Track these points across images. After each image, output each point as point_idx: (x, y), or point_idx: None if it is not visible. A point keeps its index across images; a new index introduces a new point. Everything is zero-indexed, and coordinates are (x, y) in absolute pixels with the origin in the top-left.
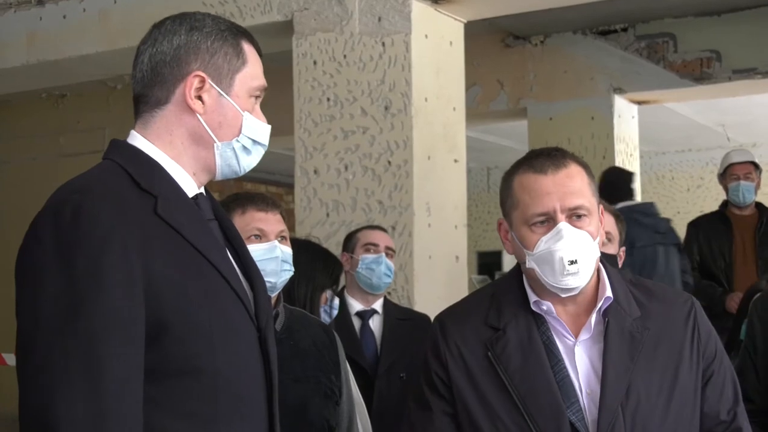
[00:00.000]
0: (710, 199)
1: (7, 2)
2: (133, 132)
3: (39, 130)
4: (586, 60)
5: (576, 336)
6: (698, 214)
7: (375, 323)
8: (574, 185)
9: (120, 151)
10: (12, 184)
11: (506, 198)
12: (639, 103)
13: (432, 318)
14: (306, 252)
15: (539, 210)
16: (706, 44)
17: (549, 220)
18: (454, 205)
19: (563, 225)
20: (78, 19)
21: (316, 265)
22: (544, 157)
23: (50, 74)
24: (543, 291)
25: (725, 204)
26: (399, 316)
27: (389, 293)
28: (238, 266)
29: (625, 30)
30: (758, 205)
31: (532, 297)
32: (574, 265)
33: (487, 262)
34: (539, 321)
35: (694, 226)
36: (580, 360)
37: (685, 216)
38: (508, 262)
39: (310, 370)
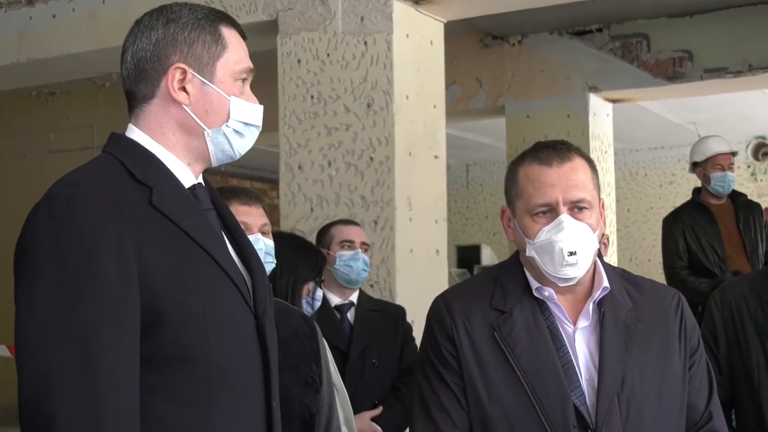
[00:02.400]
0: (682, 194)
1: None
2: (130, 125)
3: (29, 127)
4: (562, 59)
5: (574, 323)
6: (671, 209)
7: (351, 314)
8: (578, 178)
9: (117, 144)
10: (3, 180)
11: (511, 187)
12: (613, 101)
13: (406, 310)
14: (289, 244)
15: (542, 201)
16: (679, 44)
17: (551, 211)
18: (434, 200)
19: (565, 217)
20: (67, 19)
21: (298, 257)
22: (550, 150)
23: (40, 73)
24: (543, 278)
25: (698, 193)
26: (372, 308)
27: (371, 286)
28: (237, 255)
29: (600, 30)
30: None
31: (534, 284)
32: (573, 256)
33: (466, 256)
34: (542, 306)
35: (675, 221)
36: (579, 347)
37: (659, 211)
38: (487, 256)
39: (291, 359)
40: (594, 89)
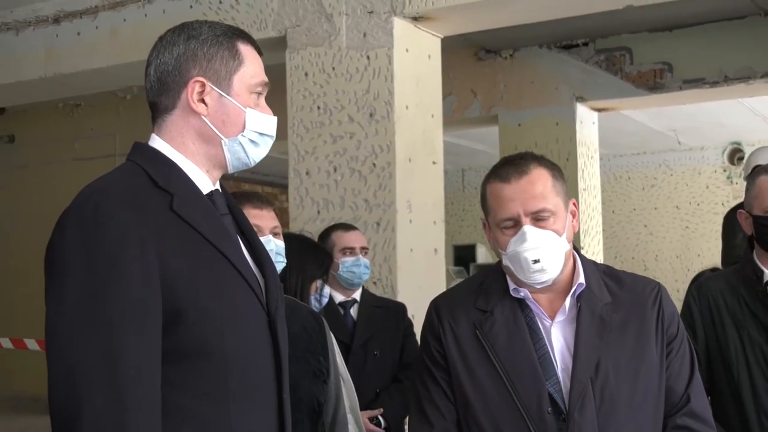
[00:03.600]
0: (663, 197)
1: (26, 20)
2: (153, 135)
3: (55, 137)
4: (551, 71)
5: (552, 318)
6: (652, 210)
7: (354, 310)
8: (535, 190)
9: (141, 152)
10: (31, 186)
11: (483, 203)
12: (599, 110)
13: (407, 306)
14: (298, 245)
15: (505, 215)
16: (659, 57)
17: (516, 224)
18: (433, 203)
19: (527, 228)
20: (91, 36)
21: (306, 256)
22: (509, 166)
23: (65, 86)
24: (519, 281)
25: None
26: (374, 304)
27: (374, 283)
28: (251, 256)
29: (586, 44)
30: None
31: (511, 285)
32: (537, 264)
33: (462, 255)
34: (523, 305)
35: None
36: (556, 339)
37: (641, 212)
38: (482, 254)
39: (301, 352)
40: (581, 99)
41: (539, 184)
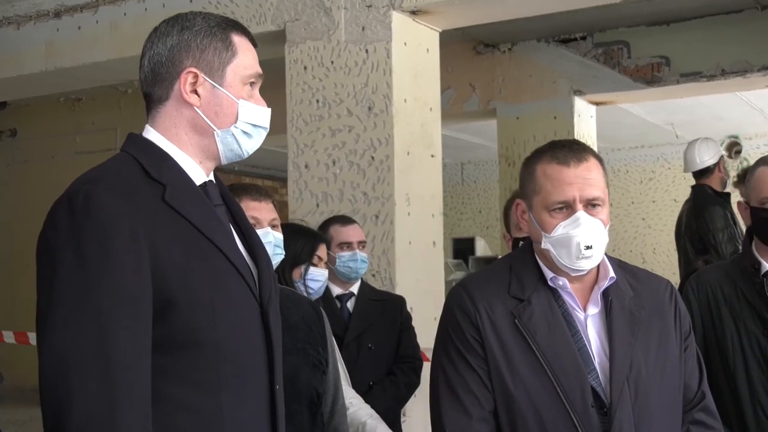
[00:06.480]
0: (661, 190)
1: (27, 15)
2: (147, 126)
3: (57, 131)
4: (549, 65)
5: (584, 310)
6: (650, 203)
7: (351, 303)
8: (592, 177)
9: (134, 143)
10: (33, 179)
11: (527, 183)
12: (596, 104)
13: (405, 298)
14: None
15: (560, 198)
16: (657, 51)
17: (567, 208)
18: (431, 196)
19: (581, 213)
20: (91, 30)
21: (287, 242)
22: (567, 150)
23: (67, 80)
24: (556, 269)
25: None
26: (372, 297)
27: (373, 275)
28: (245, 247)
29: (583, 38)
30: None
31: (549, 273)
32: (589, 250)
33: (461, 248)
34: (555, 294)
35: None
36: (591, 332)
37: (639, 205)
38: (480, 248)
39: (300, 343)
40: (579, 93)
41: (595, 171)
